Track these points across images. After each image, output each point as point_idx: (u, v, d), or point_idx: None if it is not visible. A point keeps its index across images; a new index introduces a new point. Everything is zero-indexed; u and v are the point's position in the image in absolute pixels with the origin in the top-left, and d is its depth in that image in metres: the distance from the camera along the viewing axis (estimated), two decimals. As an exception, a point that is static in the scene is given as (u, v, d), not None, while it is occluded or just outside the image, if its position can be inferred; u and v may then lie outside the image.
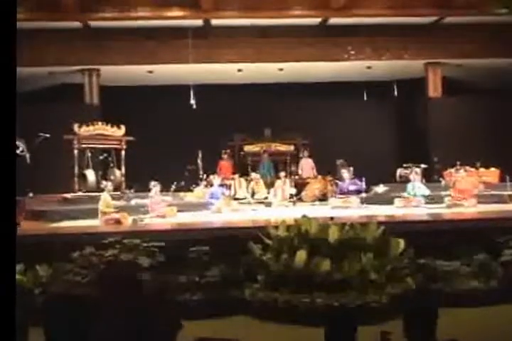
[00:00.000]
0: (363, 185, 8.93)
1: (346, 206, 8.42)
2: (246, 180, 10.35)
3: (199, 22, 10.20)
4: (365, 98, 12.06)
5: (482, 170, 9.51)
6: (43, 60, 10.17)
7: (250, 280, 4.93)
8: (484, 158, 9.50)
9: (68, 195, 8.82)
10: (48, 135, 9.22)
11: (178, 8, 9.69)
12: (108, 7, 9.53)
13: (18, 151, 9.32)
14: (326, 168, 10.83)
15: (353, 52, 10.45)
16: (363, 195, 8.89)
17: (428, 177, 9.79)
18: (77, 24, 9.99)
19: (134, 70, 10.92)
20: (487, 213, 7.05)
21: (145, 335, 2.27)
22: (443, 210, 7.72)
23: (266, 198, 9.70)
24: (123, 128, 9.80)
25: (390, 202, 8.37)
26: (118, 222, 6.88)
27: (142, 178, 8.47)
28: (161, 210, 7.70)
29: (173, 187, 8.82)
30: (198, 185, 9.75)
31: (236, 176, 10.47)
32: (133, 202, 7.77)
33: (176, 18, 9.83)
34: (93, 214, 7.31)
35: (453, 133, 10.77)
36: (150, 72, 11.12)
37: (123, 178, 9.65)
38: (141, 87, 11.70)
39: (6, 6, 2.40)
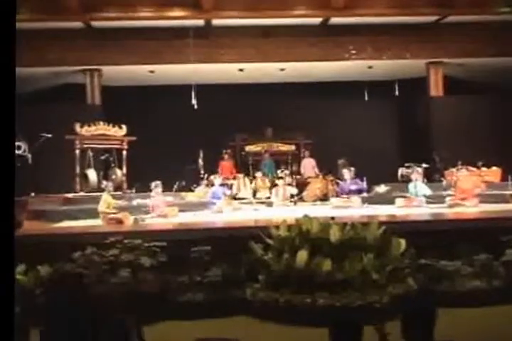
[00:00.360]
0: (364, 185, 8.92)
1: (347, 206, 8.41)
2: (249, 179, 10.36)
3: (200, 22, 10.21)
4: (366, 97, 12.06)
5: (484, 169, 9.50)
6: (45, 60, 10.20)
7: (251, 280, 4.93)
8: (486, 157, 9.49)
9: (70, 195, 8.84)
10: (49, 135, 9.25)
11: (179, 9, 9.70)
12: (110, 7, 9.54)
13: (20, 152, 9.36)
14: (328, 168, 10.83)
15: (354, 52, 10.45)
16: (364, 194, 8.88)
17: (430, 176, 9.78)
18: (79, 24, 10.01)
19: (135, 70, 10.94)
20: (489, 213, 7.03)
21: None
22: (444, 210, 7.71)
23: (268, 198, 9.71)
24: (124, 128, 9.82)
25: (391, 201, 8.36)
26: (119, 221, 6.89)
27: (143, 178, 8.48)
28: (162, 210, 7.71)
29: (175, 187, 8.84)
30: (199, 184, 9.76)
31: (241, 175, 10.48)
32: (134, 202, 7.78)
33: (178, 18, 9.85)
34: (95, 214, 7.33)
35: (454, 132, 10.76)
36: (151, 72, 11.14)
37: (124, 178, 9.67)
38: (143, 87, 11.73)
39: (6, 6, 2.40)
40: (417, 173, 8.73)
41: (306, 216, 5.18)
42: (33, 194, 8.87)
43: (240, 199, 9.82)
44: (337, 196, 9.03)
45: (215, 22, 10.22)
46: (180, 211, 8.00)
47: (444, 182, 9.22)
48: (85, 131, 9.44)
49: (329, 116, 12.33)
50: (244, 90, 11.77)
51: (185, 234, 5.81)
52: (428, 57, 11.00)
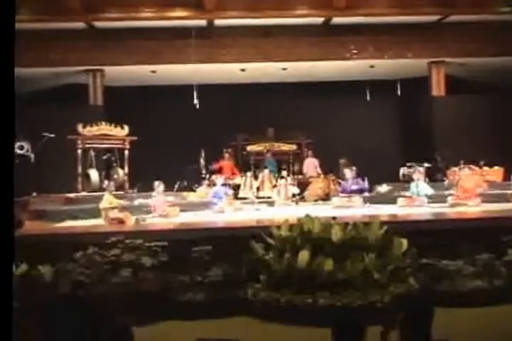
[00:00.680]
0: (366, 185, 8.91)
1: (349, 205, 8.40)
2: (256, 177, 10.36)
3: (202, 22, 10.22)
4: (368, 97, 12.05)
5: (486, 168, 9.48)
6: (48, 60, 10.24)
7: (252, 280, 4.93)
8: (488, 156, 9.46)
9: (72, 195, 8.85)
10: (52, 135, 9.28)
11: (181, 9, 9.71)
12: (112, 8, 9.56)
13: (22, 151, 9.39)
14: (329, 168, 10.83)
15: (356, 52, 10.44)
16: (366, 194, 8.87)
17: (431, 176, 9.76)
18: (81, 25, 10.03)
19: (137, 70, 10.96)
20: (491, 212, 7.01)
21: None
22: (446, 209, 7.69)
23: (269, 197, 9.70)
24: (126, 128, 9.84)
25: (393, 201, 8.35)
26: (121, 221, 6.89)
27: (145, 178, 8.50)
28: (163, 210, 7.72)
29: (176, 186, 8.85)
30: (200, 184, 9.77)
31: (249, 174, 10.47)
32: (136, 201, 7.79)
33: (179, 18, 9.87)
34: (96, 213, 7.33)
35: (456, 131, 10.74)
36: (153, 72, 11.16)
37: (126, 178, 9.68)
38: (145, 87, 11.75)
39: (5, 7, 2.41)
40: (418, 173, 8.71)
41: (307, 216, 5.18)
42: (34, 193, 8.89)
43: (241, 198, 9.83)
44: (340, 195, 9.00)
45: (217, 22, 10.24)
46: (182, 211, 8.00)
47: (446, 182, 9.21)
48: (87, 131, 9.46)
49: (331, 115, 12.33)
50: (246, 90, 11.78)
51: (186, 234, 5.81)
52: (430, 56, 10.98)
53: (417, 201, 8.12)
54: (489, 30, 10.30)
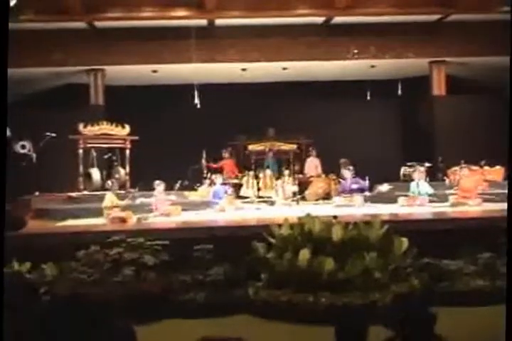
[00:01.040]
0: (366, 184, 8.92)
1: (350, 205, 8.41)
2: (257, 176, 10.38)
3: (203, 22, 10.22)
4: (368, 97, 12.05)
5: (486, 168, 9.48)
6: (49, 60, 10.24)
7: (254, 279, 4.95)
8: (489, 156, 9.46)
9: (73, 194, 8.88)
10: (53, 134, 9.30)
11: (182, 9, 9.71)
12: (113, 7, 9.56)
13: (24, 151, 9.41)
14: (330, 167, 10.83)
15: (356, 51, 10.44)
16: (367, 193, 8.88)
17: (432, 175, 9.77)
18: (82, 24, 10.04)
19: (138, 70, 10.96)
20: (491, 212, 7.03)
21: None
22: (447, 209, 7.71)
23: (270, 197, 9.72)
24: (127, 127, 9.86)
25: (394, 200, 8.36)
26: (123, 220, 6.92)
27: (146, 177, 8.51)
28: (165, 209, 7.74)
29: (177, 186, 8.87)
30: (202, 184, 9.78)
31: (251, 173, 10.47)
32: (137, 200, 7.81)
33: (181, 18, 9.86)
34: (98, 212, 7.36)
35: (457, 131, 10.73)
36: (154, 71, 11.16)
37: (127, 177, 9.70)
38: (146, 87, 11.75)
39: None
40: (419, 172, 8.72)
41: (308, 215, 5.19)
42: (37, 193, 8.92)
43: (242, 198, 9.84)
44: (340, 195, 9.02)
45: (218, 22, 10.24)
46: (183, 210, 8.02)
47: (447, 181, 9.21)
48: (88, 130, 9.47)
49: (331, 115, 12.32)
50: (247, 90, 11.78)
51: (187, 233, 5.84)
52: (430, 56, 10.97)
53: (417, 200, 8.14)
54: (490, 29, 10.28)
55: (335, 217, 5.44)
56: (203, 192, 9.35)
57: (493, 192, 8.19)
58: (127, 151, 9.81)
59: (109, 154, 9.92)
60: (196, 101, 10.21)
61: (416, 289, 4.70)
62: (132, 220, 7.00)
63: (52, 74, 10.83)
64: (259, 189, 10.05)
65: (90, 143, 9.53)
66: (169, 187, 8.49)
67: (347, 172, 9.04)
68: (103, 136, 9.64)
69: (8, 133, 8.11)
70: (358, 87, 11.91)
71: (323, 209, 7.85)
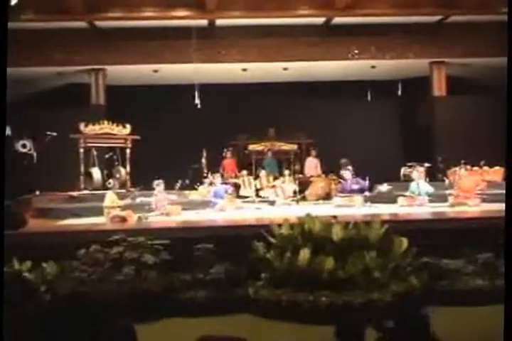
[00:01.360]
0: (366, 184, 8.93)
1: (350, 205, 8.43)
2: (254, 177, 10.40)
3: (204, 22, 10.25)
4: (369, 97, 12.07)
5: (486, 168, 9.51)
6: (50, 60, 10.27)
7: (254, 279, 4.97)
8: (488, 156, 9.48)
9: (74, 193, 8.90)
10: (54, 134, 9.32)
11: (183, 9, 9.74)
12: (114, 7, 9.59)
13: (25, 150, 9.43)
14: (330, 167, 10.85)
15: (357, 52, 10.46)
16: (367, 193, 8.90)
17: (432, 176, 9.79)
18: (83, 24, 10.06)
19: (139, 70, 10.99)
20: (491, 212, 7.05)
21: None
22: (446, 209, 7.73)
23: (267, 197, 9.73)
24: (128, 127, 9.88)
25: (393, 200, 8.39)
26: (123, 219, 6.94)
27: (147, 177, 8.53)
28: (165, 208, 7.76)
29: (178, 185, 8.89)
30: (202, 183, 9.80)
31: (244, 173, 10.50)
32: (138, 200, 7.83)
33: (181, 18, 9.89)
34: (99, 212, 7.38)
35: (457, 132, 10.76)
36: (155, 71, 11.19)
37: (128, 177, 9.72)
38: (147, 87, 11.78)
39: None
40: (419, 172, 8.75)
41: (308, 215, 5.21)
42: (37, 192, 8.94)
43: (242, 197, 9.86)
44: (338, 195, 9.04)
45: (219, 22, 10.26)
46: (184, 209, 8.04)
47: (447, 182, 9.23)
48: (89, 130, 9.50)
49: (332, 115, 12.35)
50: (248, 90, 11.80)
51: (188, 232, 5.86)
52: (431, 57, 10.99)
53: (417, 200, 8.16)
54: (490, 30, 10.30)
55: (334, 217, 5.46)
56: (203, 192, 9.37)
57: (492, 192, 8.21)
58: (128, 151, 9.84)
59: (110, 153, 9.95)
60: (197, 101, 10.23)
61: (415, 288, 4.71)
62: (133, 219, 7.01)
63: (53, 73, 10.86)
64: (257, 189, 10.06)
65: (91, 143, 9.56)
66: (170, 187, 8.51)
67: (347, 173, 9.06)
68: (104, 135, 9.66)
69: (9, 131, 8.14)
70: (358, 87, 11.94)
71: (324, 209, 7.87)
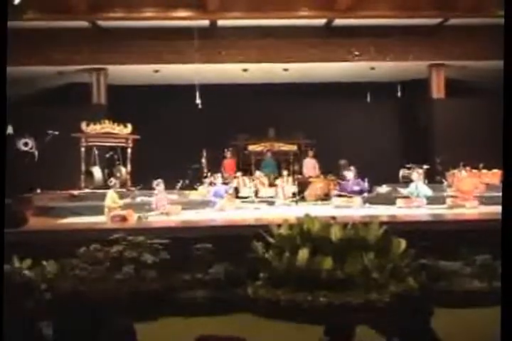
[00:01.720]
0: (366, 186, 8.97)
1: (348, 206, 8.47)
2: (250, 178, 10.43)
3: (205, 23, 10.28)
4: (368, 99, 12.10)
5: (484, 171, 9.54)
6: (52, 59, 10.28)
7: (253, 278, 4.99)
8: (487, 159, 9.52)
9: (75, 192, 8.93)
10: (56, 132, 9.35)
11: (184, 9, 9.77)
12: (116, 7, 9.62)
13: (27, 148, 9.46)
14: (329, 168, 10.88)
15: (357, 53, 10.49)
16: (365, 194, 8.94)
17: (431, 178, 9.83)
18: (85, 24, 10.09)
19: (140, 70, 11.01)
20: (488, 214, 7.08)
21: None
22: (444, 211, 7.77)
23: (270, 197, 9.77)
24: (129, 126, 9.92)
25: (392, 202, 8.42)
26: (123, 219, 6.97)
27: (147, 176, 8.56)
28: (165, 208, 7.79)
29: (178, 185, 8.92)
30: (202, 183, 9.83)
31: (239, 174, 10.54)
32: (138, 199, 7.86)
33: (183, 18, 9.91)
34: (99, 210, 7.41)
35: (456, 134, 10.79)
36: (156, 71, 11.21)
37: (128, 176, 9.75)
38: (148, 86, 11.80)
39: None
40: (418, 174, 8.79)
41: (307, 215, 5.24)
42: (39, 190, 8.96)
43: (242, 198, 9.89)
44: (339, 195, 9.07)
45: (220, 23, 10.29)
46: (184, 209, 8.07)
47: (445, 184, 9.27)
48: (91, 129, 9.54)
49: (331, 116, 12.38)
50: (248, 90, 11.83)
51: (187, 232, 5.88)
52: (430, 59, 11.03)
53: (415, 202, 8.20)
54: (489, 33, 10.34)
55: (333, 217, 5.49)
56: (203, 192, 9.40)
57: (490, 194, 8.25)
58: (129, 150, 9.87)
59: (111, 153, 9.98)
60: (197, 101, 10.26)
61: (413, 289, 4.75)
62: (133, 219, 7.04)
63: (55, 73, 10.88)
64: (256, 189, 10.09)
65: (92, 142, 9.59)
66: (170, 186, 8.54)
67: (349, 173, 9.09)
68: (105, 134, 9.70)
69: (11, 130, 8.17)
70: (357, 88, 11.96)
71: (322, 210, 7.91)
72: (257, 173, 10.58)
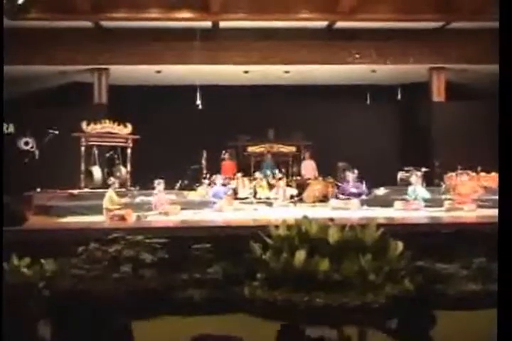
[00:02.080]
0: (365, 189, 9.00)
1: (346, 207, 8.49)
2: (249, 179, 10.46)
3: (207, 24, 10.33)
4: (368, 101, 12.14)
5: (483, 174, 9.57)
6: (54, 58, 10.33)
7: (250, 279, 5.02)
8: (486, 162, 9.54)
9: (74, 191, 8.96)
10: (56, 132, 9.39)
11: (187, 10, 9.82)
12: (119, 8, 9.67)
13: (27, 147, 9.50)
14: (328, 170, 10.92)
15: (358, 56, 10.54)
16: (364, 197, 8.97)
17: (429, 180, 9.86)
18: (88, 24, 10.13)
19: (142, 70, 11.05)
20: (486, 217, 7.11)
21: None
22: (442, 214, 7.79)
23: (268, 198, 9.79)
24: (129, 126, 9.95)
25: (390, 204, 8.45)
26: (122, 218, 7.00)
27: (147, 176, 8.59)
28: (164, 208, 7.82)
29: (178, 185, 8.95)
30: (201, 184, 9.86)
31: (239, 175, 10.57)
32: (138, 199, 7.89)
33: (185, 19, 9.97)
34: (98, 210, 7.44)
35: (455, 137, 10.83)
36: (158, 72, 11.25)
37: (128, 176, 9.78)
38: (149, 87, 11.84)
39: None
40: (416, 177, 8.82)
41: (305, 216, 5.27)
42: (38, 189, 8.99)
43: (240, 199, 9.91)
44: (336, 197, 9.11)
45: (222, 24, 10.34)
46: (182, 209, 8.10)
47: (443, 187, 9.30)
48: (91, 128, 9.57)
49: (331, 118, 12.42)
50: (249, 92, 11.87)
51: (186, 232, 5.91)
52: (431, 62, 11.08)
53: (413, 205, 8.23)
54: (490, 37, 10.38)
55: (331, 219, 5.51)
56: (202, 192, 9.43)
57: (489, 198, 8.28)
58: (129, 150, 9.90)
59: (111, 152, 10.01)
60: (198, 102, 10.30)
61: (410, 292, 4.77)
62: (132, 218, 7.07)
63: (57, 72, 10.93)
64: (255, 191, 10.12)
65: (92, 141, 9.63)
66: (169, 187, 8.57)
67: (350, 175, 9.12)
68: (105, 134, 9.73)
69: (11, 129, 8.21)
70: (358, 91, 12.01)
71: (320, 212, 7.93)
72: (257, 174, 10.61)
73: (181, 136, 11.73)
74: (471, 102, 11.36)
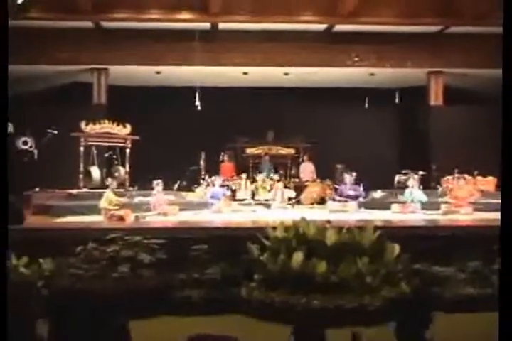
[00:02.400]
0: (362, 192, 9.03)
1: (344, 210, 8.52)
2: (250, 181, 10.48)
3: (207, 25, 10.36)
4: (367, 104, 12.19)
5: (479, 178, 9.63)
6: (55, 58, 10.35)
7: (248, 280, 5.04)
8: (483, 166, 9.60)
9: (73, 191, 8.97)
10: (55, 131, 9.40)
11: (187, 12, 9.86)
12: (120, 8, 9.70)
13: (26, 147, 9.51)
14: (326, 173, 10.95)
15: (357, 59, 10.58)
16: (361, 199, 9.00)
17: (426, 184, 9.90)
18: (89, 24, 10.15)
19: (142, 71, 11.07)
20: (482, 221, 7.15)
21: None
22: (439, 217, 7.83)
23: (267, 200, 9.82)
24: (128, 127, 9.97)
25: (387, 207, 8.48)
26: (121, 218, 7.01)
27: (146, 177, 8.61)
28: (162, 208, 7.83)
29: (176, 186, 8.97)
30: (199, 185, 9.88)
31: (244, 176, 10.57)
32: (136, 199, 7.90)
33: (185, 21, 10.00)
34: (97, 210, 7.45)
35: (453, 141, 10.88)
36: (158, 73, 11.28)
37: (127, 176, 9.79)
38: (149, 88, 11.86)
39: None
40: (413, 180, 8.86)
41: (303, 218, 5.29)
42: (37, 189, 9.00)
43: (239, 200, 9.93)
44: (334, 200, 9.14)
45: (222, 26, 10.38)
46: (181, 210, 8.11)
47: (440, 190, 9.35)
48: (90, 128, 9.58)
49: (330, 121, 12.47)
50: (248, 93, 11.90)
51: (184, 233, 5.92)
52: (429, 66, 11.13)
53: (410, 207, 8.26)
54: (489, 41, 10.44)
55: (329, 221, 5.54)
56: (200, 193, 9.45)
57: (485, 201, 8.33)
58: (127, 150, 9.92)
59: (110, 153, 10.02)
60: (197, 103, 10.32)
61: (406, 294, 4.79)
62: (130, 218, 7.08)
63: (57, 72, 10.94)
64: (254, 192, 10.14)
65: (91, 141, 9.64)
66: (168, 187, 8.59)
67: (348, 178, 9.15)
68: (104, 134, 9.75)
69: (11, 129, 8.21)
70: (356, 94, 12.06)
71: (318, 214, 7.95)
72: (260, 176, 10.64)
73: (180, 137, 11.74)
74: (469, 106, 11.42)
